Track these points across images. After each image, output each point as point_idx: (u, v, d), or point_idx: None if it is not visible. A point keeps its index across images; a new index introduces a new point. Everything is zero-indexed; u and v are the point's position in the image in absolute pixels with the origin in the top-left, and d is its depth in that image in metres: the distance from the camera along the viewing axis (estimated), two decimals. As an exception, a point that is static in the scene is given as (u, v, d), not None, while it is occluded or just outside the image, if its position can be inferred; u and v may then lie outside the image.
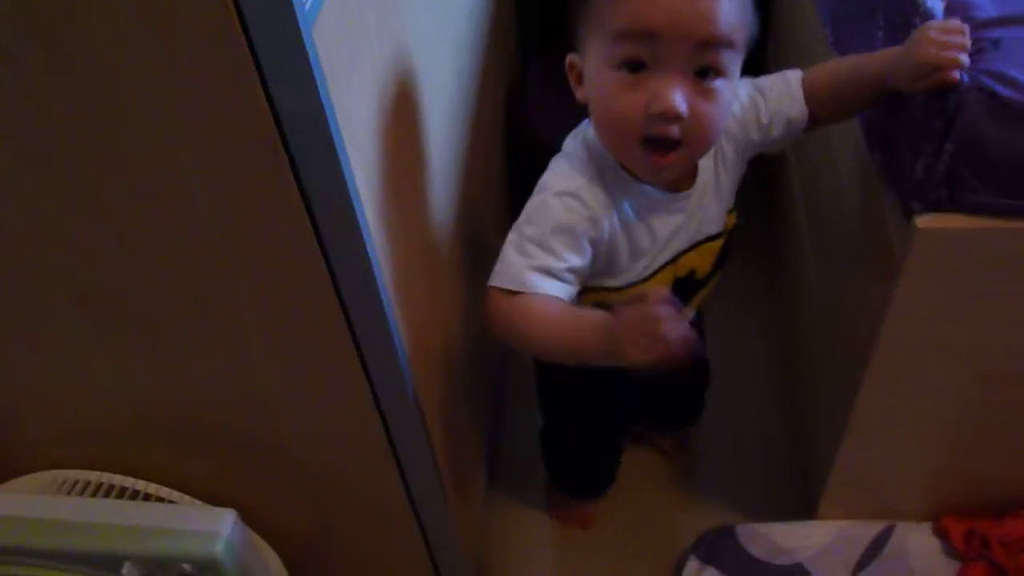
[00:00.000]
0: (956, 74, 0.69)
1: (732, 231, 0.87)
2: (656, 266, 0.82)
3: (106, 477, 0.82)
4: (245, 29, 0.49)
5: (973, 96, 0.69)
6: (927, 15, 0.75)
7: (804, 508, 1.09)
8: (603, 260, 0.79)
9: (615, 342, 0.65)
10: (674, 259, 0.82)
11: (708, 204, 0.82)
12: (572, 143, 0.81)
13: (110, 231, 0.60)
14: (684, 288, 0.85)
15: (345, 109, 0.58)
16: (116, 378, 0.74)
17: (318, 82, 0.52)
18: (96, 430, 0.80)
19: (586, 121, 0.80)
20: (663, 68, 0.68)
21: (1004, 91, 0.68)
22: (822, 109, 0.82)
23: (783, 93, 0.82)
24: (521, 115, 1.32)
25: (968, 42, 0.70)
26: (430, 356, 0.83)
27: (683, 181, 0.80)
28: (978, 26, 0.72)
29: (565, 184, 0.76)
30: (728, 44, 0.69)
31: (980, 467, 0.98)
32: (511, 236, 0.76)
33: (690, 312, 0.69)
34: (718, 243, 0.85)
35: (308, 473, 0.83)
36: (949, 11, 0.75)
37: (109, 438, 0.81)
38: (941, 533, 1.01)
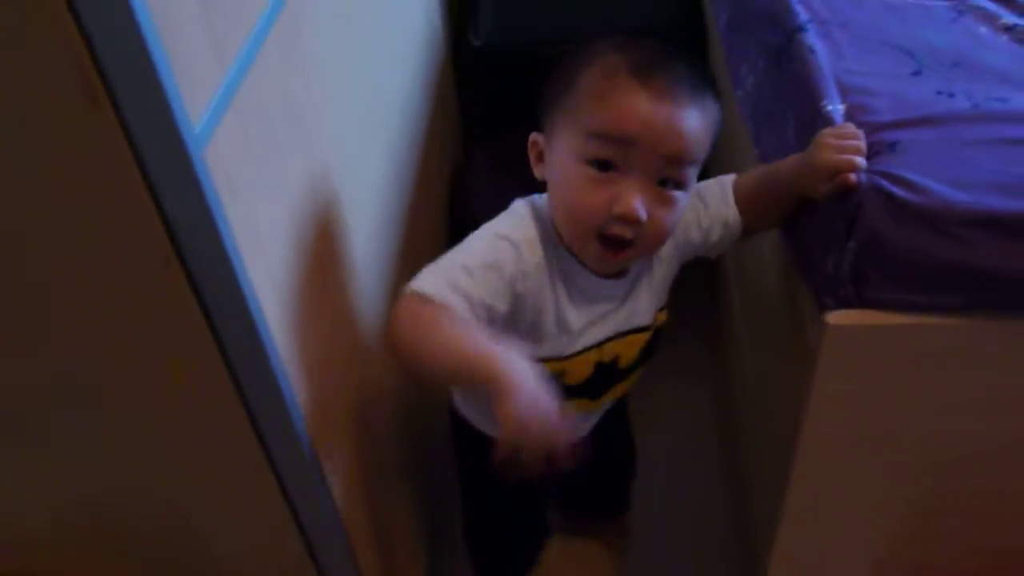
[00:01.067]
0: (853, 177, 0.72)
1: (660, 328, 0.88)
2: (581, 346, 0.82)
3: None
4: (135, 150, 0.50)
5: (871, 197, 0.71)
6: (828, 120, 0.78)
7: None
8: (528, 323, 0.79)
9: (500, 393, 0.63)
10: (600, 344, 0.83)
11: (640, 296, 0.84)
12: (522, 206, 0.81)
13: (9, 340, 0.61)
14: (606, 375, 0.86)
15: (250, 220, 0.59)
16: (29, 487, 0.73)
17: (209, 197, 0.53)
18: (11, 540, 0.78)
19: (537, 196, 0.81)
20: (631, 173, 0.71)
21: (900, 192, 0.71)
22: (751, 214, 0.84)
23: (719, 198, 0.84)
24: (464, 202, 1.34)
25: (864, 145, 0.73)
26: (354, 456, 0.83)
27: (618, 270, 0.82)
28: (875, 129, 0.75)
29: (509, 231, 0.76)
30: (693, 161, 0.73)
31: (917, 557, 0.97)
32: (443, 256, 0.75)
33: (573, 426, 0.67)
34: (645, 336, 0.86)
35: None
36: (848, 116, 0.77)
37: (27, 548, 0.80)
38: (884, 624, 0.99)
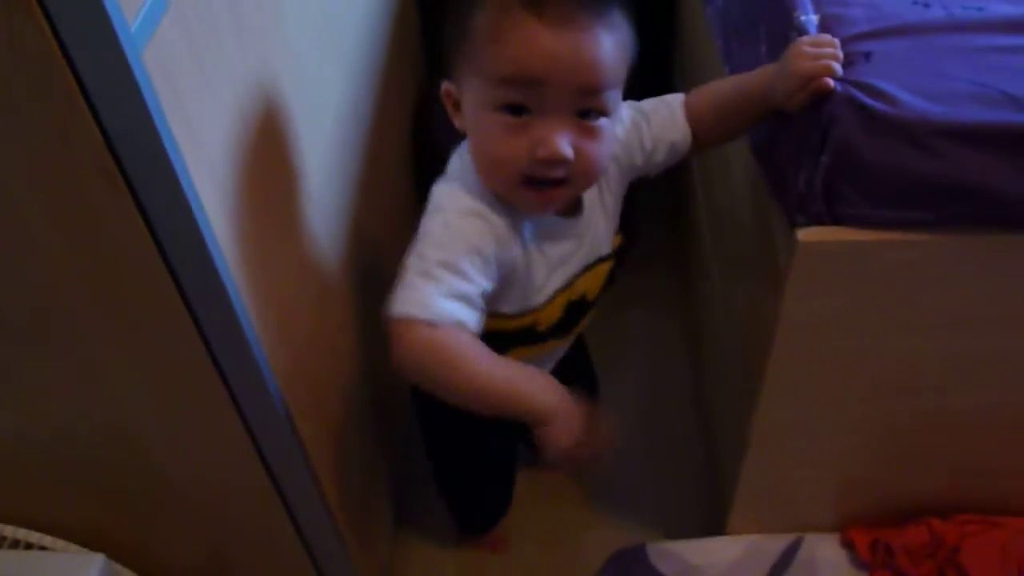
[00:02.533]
0: (830, 82, 0.69)
1: (618, 251, 0.87)
2: (551, 291, 0.80)
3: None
4: (68, 57, 0.47)
5: (845, 109, 0.69)
6: (802, 30, 0.75)
7: (716, 524, 1.08)
8: (501, 285, 0.75)
9: (550, 429, 0.69)
10: (569, 284, 0.81)
11: (597, 226, 0.82)
12: (458, 165, 0.77)
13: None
14: (575, 312, 0.84)
15: (194, 130, 0.55)
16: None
17: (150, 104, 0.49)
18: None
19: (465, 150, 0.77)
20: (546, 113, 0.67)
21: (874, 103, 0.69)
22: (706, 131, 0.82)
23: (666, 117, 0.82)
24: (427, 131, 1.30)
25: (840, 53, 0.71)
26: (314, 383, 0.81)
27: (570, 207, 0.79)
28: (849, 40, 0.73)
29: (467, 204, 0.72)
30: (610, 87, 0.69)
31: (884, 477, 0.98)
32: (412, 262, 0.69)
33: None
34: (607, 264, 0.85)
35: (189, 505, 0.79)
36: (823, 27, 0.75)
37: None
38: (848, 543, 1.01)
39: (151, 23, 0.50)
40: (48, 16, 0.45)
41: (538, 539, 1.19)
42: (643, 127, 0.81)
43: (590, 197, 0.81)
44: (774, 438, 0.93)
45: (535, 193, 0.71)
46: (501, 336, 0.78)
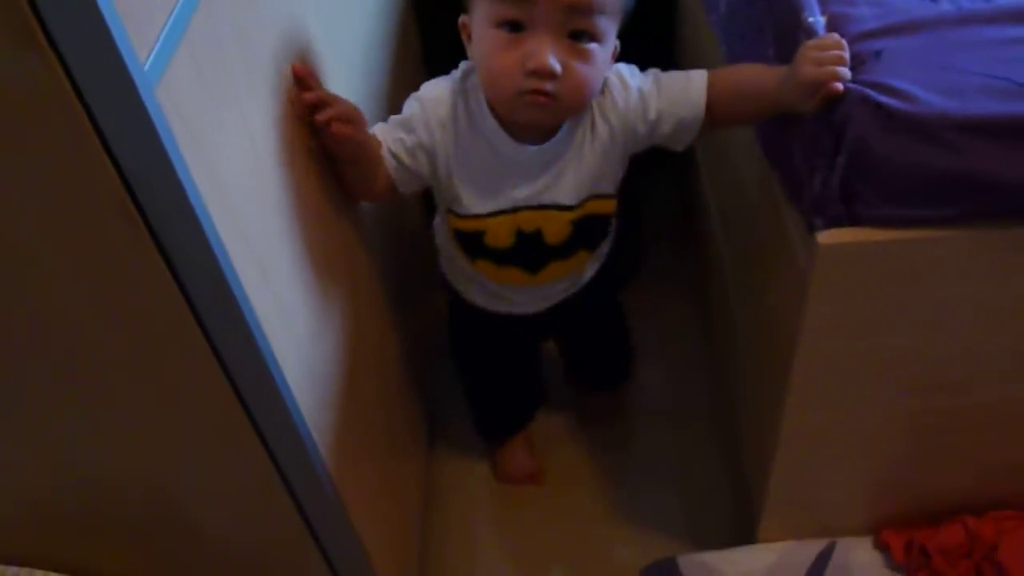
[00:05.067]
0: (839, 86, 0.69)
1: (604, 217, 0.91)
2: (494, 207, 0.86)
3: (11, 571, 0.77)
4: (80, 96, 0.46)
5: (859, 108, 0.69)
6: (809, 31, 0.75)
7: (746, 533, 1.07)
8: (444, 180, 0.86)
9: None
10: (512, 210, 0.86)
11: (565, 174, 0.85)
12: (463, 66, 0.86)
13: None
14: (532, 248, 0.89)
15: (208, 163, 0.55)
16: (13, 476, 0.70)
17: (165, 141, 0.49)
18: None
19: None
20: (538, 29, 0.75)
21: (888, 101, 0.68)
22: (723, 113, 0.84)
23: (680, 93, 0.84)
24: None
25: (847, 55, 0.70)
26: (346, 427, 0.80)
27: (538, 139, 0.84)
28: (858, 38, 0.72)
29: (421, 92, 0.85)
30: (599, 9, 0.75)
31: (915, 477, 0.97)
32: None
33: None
34: (569, 215, 0.87)
35: (225, 557, 0.79)
36: (831, 26, 0.75)
37: (10, 528, 0.77)
38: (882, 546, 0.99)
39: (163, 59, 0.50)
40: (59, 54, 0.45)
41: (567, 561, 1.18)
42: (651, 98, 0.84)
43: (562, 138, 0.84)
44: (802, 442, 0.92)
45: (531, 99, 0.77)
46: (461, 236, 0.90)
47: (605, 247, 0.99)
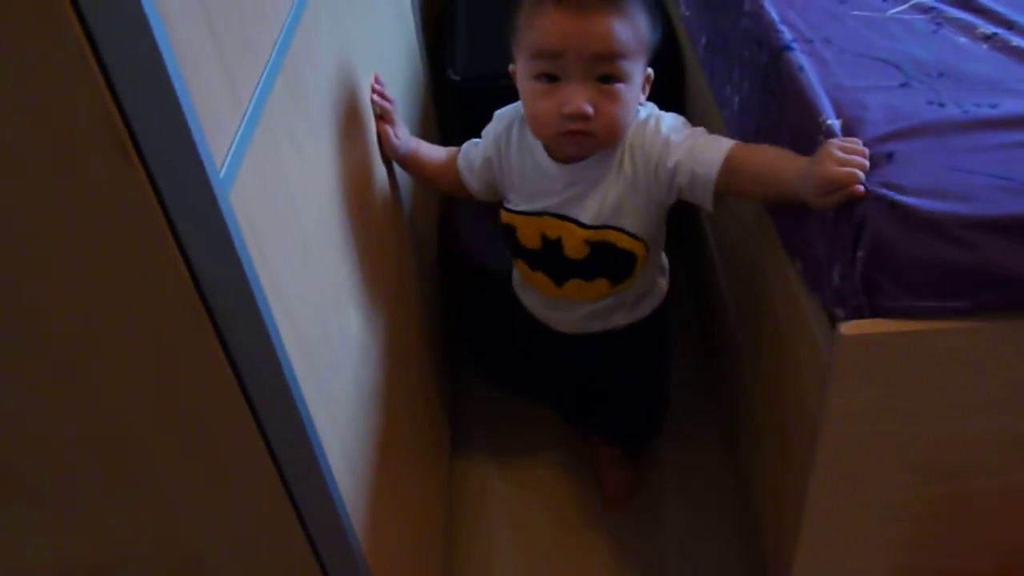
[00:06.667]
0: (861, 188, 0.73)
1: (623, 252, 0.96)
2: (525, 207, 0.99)
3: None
4: (161, 201, 0.49)
5: (876, 206, 0.72)
6: (830, 133, 0.79)
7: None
8: (499, 179, 1.02)
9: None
10: (538, 213, 0.98)
11: (587, 196, 0.94)
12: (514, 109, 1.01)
13: (36, 405, 0.59)
14: (555, 257, 0.99)
15: (270, 268, 0.58)
16: (42, 556, 0.70)
17: (236, 243, 0.52)
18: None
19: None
20: (571, 78, 0.86)
21: (904, 200, 0.72)
22: (735, 186, 0.88)
23: (702, 151, 0.88)
24: (452, 236, 1.34)
25: (866, 161, 0.74)
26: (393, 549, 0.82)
27: (570, 161, 0.95)
28: (872, 141, 0.76)
29: (496, 114, 1.04)
30: (621, 55, 0.85)
31: (940, 562, 0.98)
32: None
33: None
34: (584, 233, 0.95)
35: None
36: (845, 130, 0.79)
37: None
38: (906, 631, 0.99)
39: (235, 166, 0.54)
40: (143, 160, 0.48)
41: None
42: (675, 148, 0.90)
43: (595, 167, 0.93)
44: (826, 525, 0.93)
45: (570, 138, 0.88)
46: (504, 230, 1.03)
47: (632, 292, 1.05)
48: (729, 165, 0.87)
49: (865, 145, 0.76)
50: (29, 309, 0.53)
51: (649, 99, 0.96)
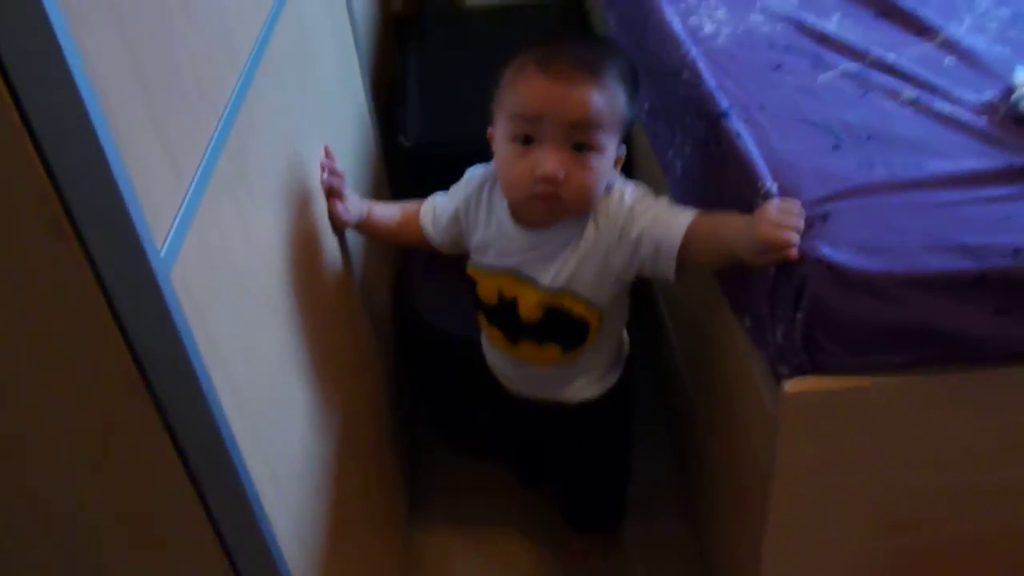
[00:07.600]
0: (794, 252, 0.75)
1: (577, 320, 0.97)
2: (485, 263, 1.01)
3: None
4: (100, 281, 0.49)
5: (814, 269, 0.75)
6: (768, 196, 0.81)
7: None
8: (465, 232, 1.03)
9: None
10: (497, 271, 0.99)
11: (547, 260, 0.96)
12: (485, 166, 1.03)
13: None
14: (510, 316, 0.99)
15: (214, 342, 0.58)
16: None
17: (178, 322, 0.52)
18: None
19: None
20: (545, 142, 0.88)
21: (840, 261, 0.74)
22: (696, 253, 0.88)
23: (665, 219, 0.89)
24: (407, 303, 1.34)
25: (802, 223, 0.76)
26: None
27: (534, 227, 0.96)
28: (807, 204, 0.79)
29: (467, 171, 1.05)
30: (596, 125, 0.87)
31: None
32: None
33: None
34: (539, 295, 0.96)
35: None
36: (783, 192, 0.81)
37: None
38: None
39: (177, 242, 0.54)
40: (82, 240, 0.48)
41: None
42: (638, 217, 0.91)
43: (557, 235, 0.94)
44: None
45: (540, 201, 0.90)
46: (467, 282, 1.04)
47: (586, 364, 1.04)
48: (689, 234, 0.88)
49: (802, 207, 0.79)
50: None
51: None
